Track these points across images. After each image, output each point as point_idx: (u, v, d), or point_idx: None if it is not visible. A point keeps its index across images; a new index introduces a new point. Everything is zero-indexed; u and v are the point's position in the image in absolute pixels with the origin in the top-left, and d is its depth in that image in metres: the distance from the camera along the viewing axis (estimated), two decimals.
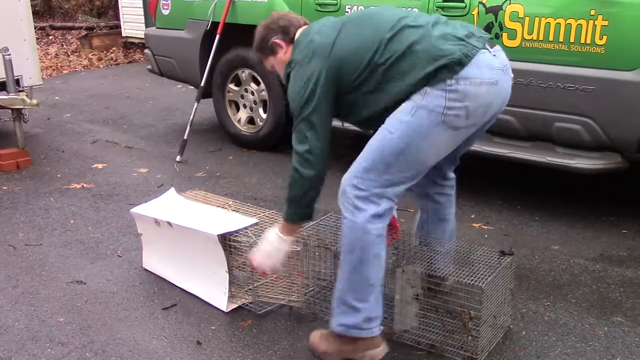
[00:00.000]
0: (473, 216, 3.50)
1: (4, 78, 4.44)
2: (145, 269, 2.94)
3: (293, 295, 2.56)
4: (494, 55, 2.09)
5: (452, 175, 2.50)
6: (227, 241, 2.55)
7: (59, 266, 3.00)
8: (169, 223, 2.73)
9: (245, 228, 2.60)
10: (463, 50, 2.00)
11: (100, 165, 4.51)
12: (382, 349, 2.21)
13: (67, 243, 3.25)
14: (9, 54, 4.31)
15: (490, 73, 2.04)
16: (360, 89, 2.10)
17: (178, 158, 4.59)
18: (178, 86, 7.10)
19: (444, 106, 1.99)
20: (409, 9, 3.64)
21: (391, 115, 2.06)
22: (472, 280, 2.15)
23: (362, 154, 2.10)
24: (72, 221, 3.52)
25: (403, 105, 2.04)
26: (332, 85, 2.10)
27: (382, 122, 2.10)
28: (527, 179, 4.03)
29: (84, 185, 4.09)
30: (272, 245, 2.28)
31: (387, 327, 2.31)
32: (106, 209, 3.70)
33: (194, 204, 2.91)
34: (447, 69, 1.98)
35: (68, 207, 3.72)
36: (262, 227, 2.65)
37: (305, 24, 2.32)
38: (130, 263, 3.02)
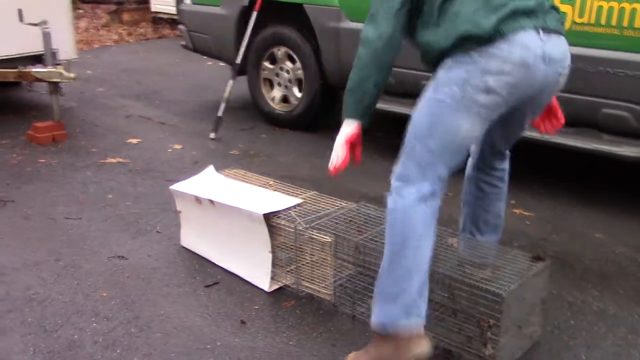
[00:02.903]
0: (514, 202, 3.44)
1: (40, 51, 4.45)
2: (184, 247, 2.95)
3: (322, 287, 2.50)
4: (542, 41, 1.92)
5: (500, 165, 2.36)
6: (268, 221, 2.54)
7: (100, 241, 3.02)
8: (211, 201, 2.72)
9: (288, 208, 2.59)
10: (499, 26, 1.87)
11: (134, 140, 4.51)
12: (424, 349, 1.97)
13: (106, 218, 3.26)
14: (48, 27, 4.31)
15: (522, 53, 1.88)
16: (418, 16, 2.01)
17: (212, 135, 4.57)
18: (209, 63, 7.07)
19: (464, 79, 1.91)
20: None
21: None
22: (494, 287, 2.00)
23: None
24: (110, 196, 3.54)
25: (430, 82, 2.00)
26: None
27: (431, 63, 2.04)
28: (568, 166, 3.96)
29: (120, 160, 4.10)
30: (337, 141, 2.13)
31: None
32: (143, 184, 3.71)
33: (235, 183, 2.90)
34: (475, 41, 1.88)
35: (106, 182, 3.74)
36: (305, 208, 2.63)
37: None
38: (170, 239, 3.02)
